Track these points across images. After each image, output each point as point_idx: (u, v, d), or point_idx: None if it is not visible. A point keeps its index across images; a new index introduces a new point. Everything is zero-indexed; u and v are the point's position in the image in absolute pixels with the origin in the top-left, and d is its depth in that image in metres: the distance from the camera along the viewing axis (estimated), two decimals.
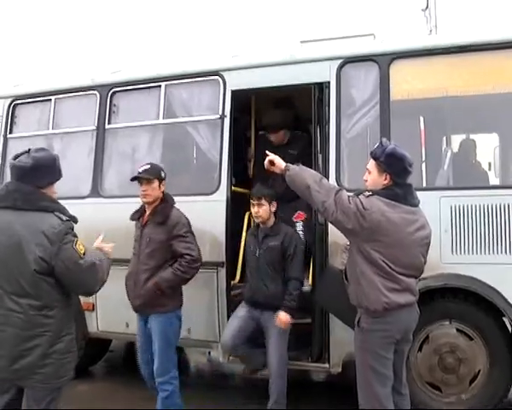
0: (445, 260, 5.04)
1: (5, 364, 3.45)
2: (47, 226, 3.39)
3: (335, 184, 5.27)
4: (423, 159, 5.52)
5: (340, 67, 5.46)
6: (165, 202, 5.02)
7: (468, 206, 5.00)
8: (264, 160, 4.53)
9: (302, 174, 4.08)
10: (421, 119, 5.65)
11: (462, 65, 5.23)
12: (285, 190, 5.22)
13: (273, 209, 5.24)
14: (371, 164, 4.02)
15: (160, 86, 6.21)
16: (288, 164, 4.22)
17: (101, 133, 6.46)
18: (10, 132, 7.10)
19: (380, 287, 3.81)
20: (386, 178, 3.92)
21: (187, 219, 5.02)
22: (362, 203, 3.80)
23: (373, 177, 4.00)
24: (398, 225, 3.80)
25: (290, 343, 5.50)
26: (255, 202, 5.20)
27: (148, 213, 5.00)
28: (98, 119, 6.51)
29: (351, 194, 3.99)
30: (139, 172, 4.98)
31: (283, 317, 5.02)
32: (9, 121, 7.09)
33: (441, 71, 5.27)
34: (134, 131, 6.43)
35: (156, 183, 4.95)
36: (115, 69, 6.79)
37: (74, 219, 3.61)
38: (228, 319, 5.56)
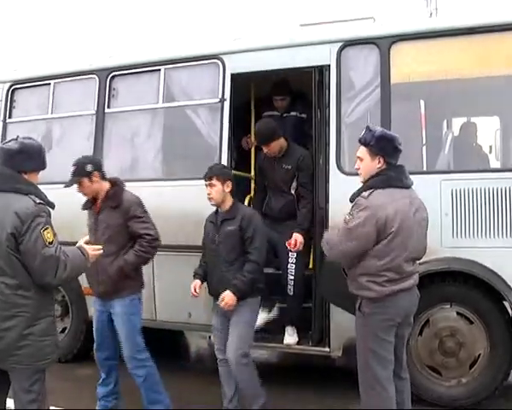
0: (446, 243, 5.04)
1: None
2: (20, 207, 3.44)
3: (336, 167, 5.28)
4: (424, 142, 5.50)
5: (341, 50, 5.42)
6: (116, 185, 4.87)
7: (468, 189, 4.99)
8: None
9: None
10: (422, 102, 5.61)
11: (463, 47, 5.19)
12: (281, 207, 5.23)
13: (227, 190, 4.85)
14: (362, 151, 3.98)
15: (159, 70, 6.18)
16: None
17: (100, 117, 6.45)
18: (10, 117, 7.11)
19: (382, 281, 3.80)
20: (379, 162, 3.89)
21: (140, 199, 4.88)
22: (365, 208, 3.77)
23: (365, 163, 3.96)
24: (401, 212, 3.79)
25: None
26: (207, 183, 4.86)
27: (100, 199, 4.85)
28: (97, 103, 6.49)
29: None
30: None
31: (227, 297, 4.65)
32: (8, 106, 7.09)
33: (442, 54, 5.22)
34: (134, 116, 6.39)
35: (85, 180, 4.76)
36: (114, 53, 6.75)
37: (50, 204, 3.66)
38: None
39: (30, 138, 3.79)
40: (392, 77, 5.25)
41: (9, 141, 3.69)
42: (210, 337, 7.30)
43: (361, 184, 4.00)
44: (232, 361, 4.73)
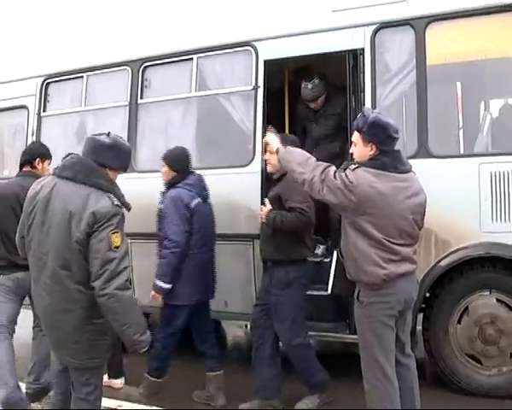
0: (485, 228, 4.94)
1: (47, 333, 3.66)
2: (98, 206, 3.40)
3: None
4: (461, 125, 5.39)
5: (375, 32, 5.36)
6: None
7: (508, 172, 4.88)
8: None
9: (288, 158, 3.98)
10: (459, 83, 5.50)
11: (501, 26, 5.04)
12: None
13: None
14: (355, 136, 3.86)
15: (191, 59, 6.19)
16: (279, 147, 4.12)
17: (133, 108, 6.49)
18: (44, 111, 7.22)
19: (376, 259, 3.68)
20: (372, 149, 3.76)
21: None
22: (348, 177, 3.66)
23: (358, 149, 3.84)
24: (387, 195, 3.65)
25: (328, 316, 5.47)
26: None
27: None
28: (130, 94, 6.54)
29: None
30: None
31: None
32: (43, 100, 7.21)
33: (479, 33, 5.12)
34: (167, 105, 6.44)
35: None
36: (145, 42, 6.75)
37: (126, 206, 3.63)
38: None
39: (121, 138, 3.80)
40: (427, 59, 5.17)
41: (101, 134, 3.67)
42: (246, 326, 7.34)
43: None
44: None
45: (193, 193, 5.03)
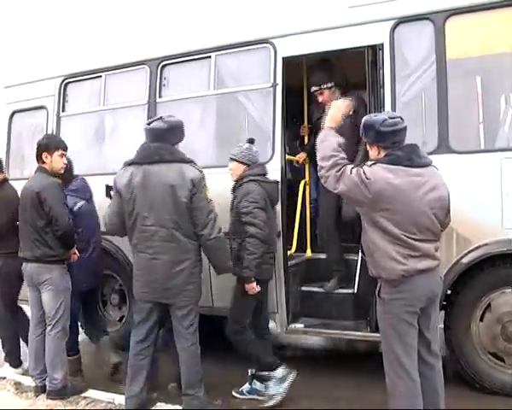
0: (507, 224, 4.88)
1: (159, 285, 4.47)
2: (193, 175, 4.39)
3: None
4: (482, 120, 5.32)
5: (394, 27, 5.31)
6: None
7: None
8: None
9: (318, 147, 3.96)
10: (480, 78, 5.43)
11: None
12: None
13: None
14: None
15: (209, 57, 6.19)
16: (325, 127, 4.04)
17: (152, 107, 6.51)
18: (63, 111, 7.28)
19: (394, 255, 3.66)
20: (374, 149, 3.85)
21: None
22: (365, 173, 3.66)
23: (370, 153, 3.93)
24: (404, 190, 3.63)
25: (349, 313, 5.44)
26: None
27: None
28: (149, 93, 6.56)
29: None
30: None
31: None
32: (62, 100, 7.27)
33: (499, 26, 5.03)
34: (185, 104, 6.41)
35: None
36: (163, 41, 6.76)
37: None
38: (286, 289, 5.53)
39: (171, 116, 4.67)
40: (447, 53, 5.12)
41: (154, 121, 4.57)
42: None
43: None
44: None
45: (75, 197, 5.64)
